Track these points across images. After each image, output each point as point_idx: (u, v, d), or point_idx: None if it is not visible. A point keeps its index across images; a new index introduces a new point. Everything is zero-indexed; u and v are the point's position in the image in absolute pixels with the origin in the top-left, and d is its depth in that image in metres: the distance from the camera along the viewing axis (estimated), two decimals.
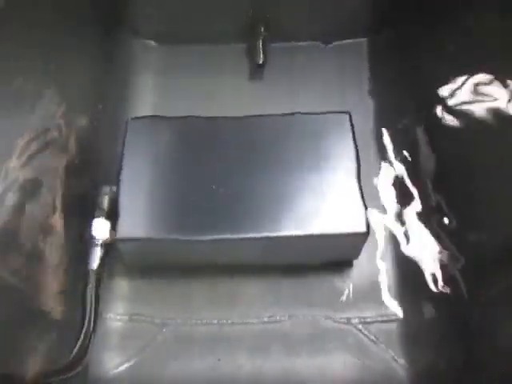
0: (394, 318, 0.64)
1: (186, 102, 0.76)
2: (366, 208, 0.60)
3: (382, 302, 0.64)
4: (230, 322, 0.64)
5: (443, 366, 0.60)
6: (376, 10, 0.80)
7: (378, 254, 0.67)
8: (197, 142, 0.65)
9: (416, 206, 0.69)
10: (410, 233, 0.68)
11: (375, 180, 0.71)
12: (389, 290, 0.65)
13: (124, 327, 0.64)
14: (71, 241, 0.63)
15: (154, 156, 0.64)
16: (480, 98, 0.63)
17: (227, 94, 0.78)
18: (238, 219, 0.60)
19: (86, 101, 0.71)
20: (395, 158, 0.73)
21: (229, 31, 0.81)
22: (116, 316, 0.65)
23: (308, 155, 0.63)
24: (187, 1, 0.78)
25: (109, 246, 0.64)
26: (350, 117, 0.66)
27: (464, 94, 0.66)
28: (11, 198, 0.55)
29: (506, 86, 0.59)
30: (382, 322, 0.63)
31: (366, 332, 0.63)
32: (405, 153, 0.73)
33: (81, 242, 0.64)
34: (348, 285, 0.66)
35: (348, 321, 0.64)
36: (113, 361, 0.62)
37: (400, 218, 0.69)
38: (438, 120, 0.69)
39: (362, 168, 0.63)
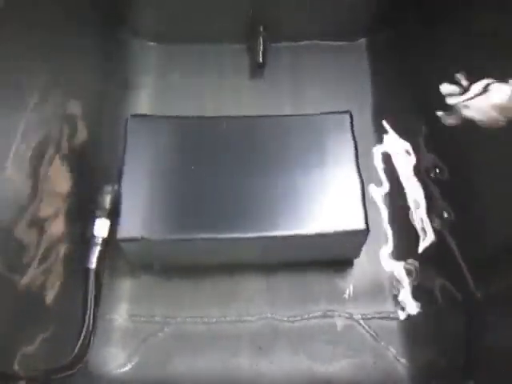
0: (394, 315, 0.64)
1: (186, 101, 0.76)
2: (365, 206, 0.60)
3: (383, 300, 0.65)
4: (230, 320, 0.64)
5: (443, 364, 0.60)
6: (376, 10, 0.80)
7: (379, 252, 0.67)
8: (197, 142, 0.65)
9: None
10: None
11: (375, 180, 0.71)
12: (389, 288, 0.65)
13: (126, 326, 0.64)
14: (72, 239, 0.64)
15: (154, 156, 0.64)
16: (480, 97, 0.63)
17: (227, 94, 0.78)
18: (238, 218, 0.60)
19: (86, 100, 0.71)
20: (395, 157, 0.73)
21: (229, 31, 0.81)
22: (118, 315, 0.65)
23: (308, 154, 0.63)
24: (187, 1, 0.78)
25: (110, 245, 0.64)
26: (351, 116, 0.66)
27: (464, 94, 0.66)
28: (12, 196, 0.55)
29: (505, 85, 0.59)
30: (383, 319, 0.64)
31: (367, 329, 0.63)
32: (405, 153, 0.73)
33: (82, 240, 0.65)
34: (349, 283, 0.66)
35: (349, 319, 0.64)
36: (114, 359, 0.63)
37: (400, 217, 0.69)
38: (438, 120, 0.69)
39: (361, 168, 0.63)
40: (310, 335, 0.63)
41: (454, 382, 0.58)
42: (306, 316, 0.64)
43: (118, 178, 0.62)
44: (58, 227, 0.62)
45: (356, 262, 0.67)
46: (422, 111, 0.73)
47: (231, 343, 0.63)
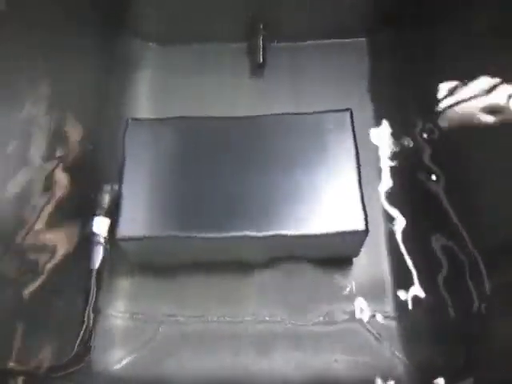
0: (395, 314, 0.64)
1: (186, 101, 0.76)
2: (365, 206, 0.60)
3: (384, 299, 0.65)
4: (230, 319, 0.65)
5: (443, 363, 0.60)
6: (376, 10, 0.80)
7: (378, 250, 0.67)
8: (197, 142, 0.65)
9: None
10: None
11: (374, 180, 0.71)
12: (389, 286, 0.65)
13: (125, 324, 0.65)
14: (72, 239, 0.64)
15: (154, 156, 0.64)
16: (480, 97, 0.63)
17: (227, 94, 0.78)
18: (238, 218, 0.60)
19: (86, 101, 0.71)
20: (395, 157, 0.73)
21: (229, 31, 0.81)
22: (118, 313, 0.65)
23: (308, 153, 0.63)
24: (187, 1, 0.78)
25: (110, 244, 0.65)
26: (351, 114, 0.65)
27: (464, 94, 0.66)
28: (12, 196, 0.55)
29: (506, 85, 0.59)
30: (384, 317, 0.64)
31: (368, 328, 0.63)
32: (405, 152, 0.73)
33: (82, 239, 0.65)
34: (349, 282, 0.66)
35: (349, 317, 0.64)
36: (114, 357, 0.63)
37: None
38: (438, 119, 0.69)
39: (361, 167, 0.63)
40: (310, 335, 0.63)
41: (454, 380, 0.58)
42: (307, 315, 0.64)
43: (118, 178, 0.62)
44: (58, 226, 0.62)
45: (356, 261, 0.67)
46: (422, 111, 0.73)
47: (231, 342, 0.63)
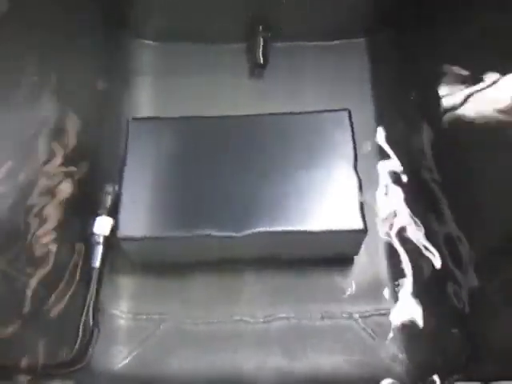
0: (394, 313, 0.64)
1: (186, 101, 0.76)
2: (363, 205, 0.60)
3: (383, 298, 0.65)
4: (230, 319, 0.65)
5: (442, 362, 0.60)
6: (376, 10, 0.80)
7: (377, 250, 0.67)
8: (197, 142, 0.66)
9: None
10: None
11: (373, 179, 0.71)
12: (388, 286, 0.65)
13: (126, 323, 0.65)
14: (73, 238, 0.64)
15: (155, 156, 0.64)
16: (480, 97, 0.63)
17: (227, 94, 0.78)
18: (237, 217, 0.60)
19: (87, 100, 0.71)
20: (394, 157, 0.73)
21: (229, 31, 0.81)
22: (119, 312, 0.65)
23: (307, 152, 0.64)
24: (187, 1, 0.79)
25: (111, 244, 0.65)
26: (350, 114, 0.66)
27: (464, 94, 0.66)
28: (13, 196, 0.55)
29: (505, 85, 0.59)
30: (383, 316, 0.64)
31: (366, 327, 0.63)
32: (404, 152, 0.73)
33: (84, 239, 0.65)
34: (349, 281, 0.66)
35: (349, 316, 0.64)
36: (115, 355, 0.63)
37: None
38: (438, 119, 0.69)
39: (360, 166, 0.63)
40: (309, 334, 0.63)
41: (453, 379, 0.58)
42: (306, 314, 0.64)
43: (119, 178, 0.63)
44: (59, 226, 0.62)
45: (356, 260, 0.67)
46: (422, 111, 0.73)
47: (231, 342, 0.63)
